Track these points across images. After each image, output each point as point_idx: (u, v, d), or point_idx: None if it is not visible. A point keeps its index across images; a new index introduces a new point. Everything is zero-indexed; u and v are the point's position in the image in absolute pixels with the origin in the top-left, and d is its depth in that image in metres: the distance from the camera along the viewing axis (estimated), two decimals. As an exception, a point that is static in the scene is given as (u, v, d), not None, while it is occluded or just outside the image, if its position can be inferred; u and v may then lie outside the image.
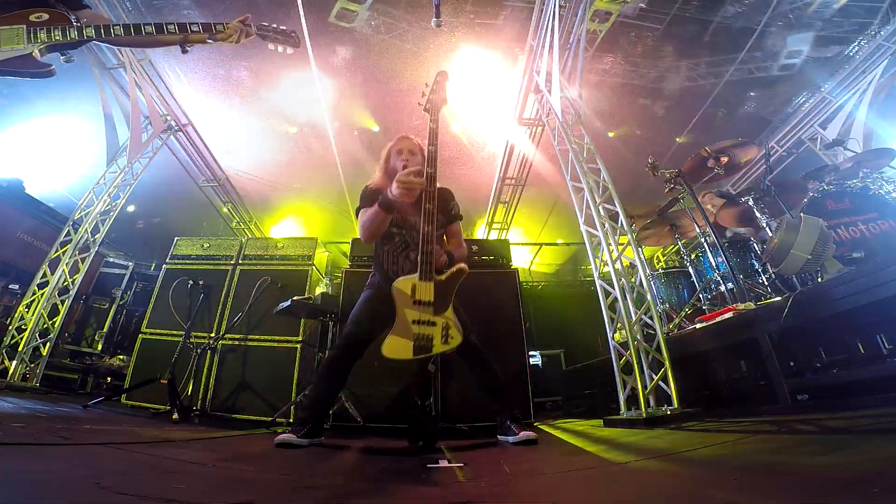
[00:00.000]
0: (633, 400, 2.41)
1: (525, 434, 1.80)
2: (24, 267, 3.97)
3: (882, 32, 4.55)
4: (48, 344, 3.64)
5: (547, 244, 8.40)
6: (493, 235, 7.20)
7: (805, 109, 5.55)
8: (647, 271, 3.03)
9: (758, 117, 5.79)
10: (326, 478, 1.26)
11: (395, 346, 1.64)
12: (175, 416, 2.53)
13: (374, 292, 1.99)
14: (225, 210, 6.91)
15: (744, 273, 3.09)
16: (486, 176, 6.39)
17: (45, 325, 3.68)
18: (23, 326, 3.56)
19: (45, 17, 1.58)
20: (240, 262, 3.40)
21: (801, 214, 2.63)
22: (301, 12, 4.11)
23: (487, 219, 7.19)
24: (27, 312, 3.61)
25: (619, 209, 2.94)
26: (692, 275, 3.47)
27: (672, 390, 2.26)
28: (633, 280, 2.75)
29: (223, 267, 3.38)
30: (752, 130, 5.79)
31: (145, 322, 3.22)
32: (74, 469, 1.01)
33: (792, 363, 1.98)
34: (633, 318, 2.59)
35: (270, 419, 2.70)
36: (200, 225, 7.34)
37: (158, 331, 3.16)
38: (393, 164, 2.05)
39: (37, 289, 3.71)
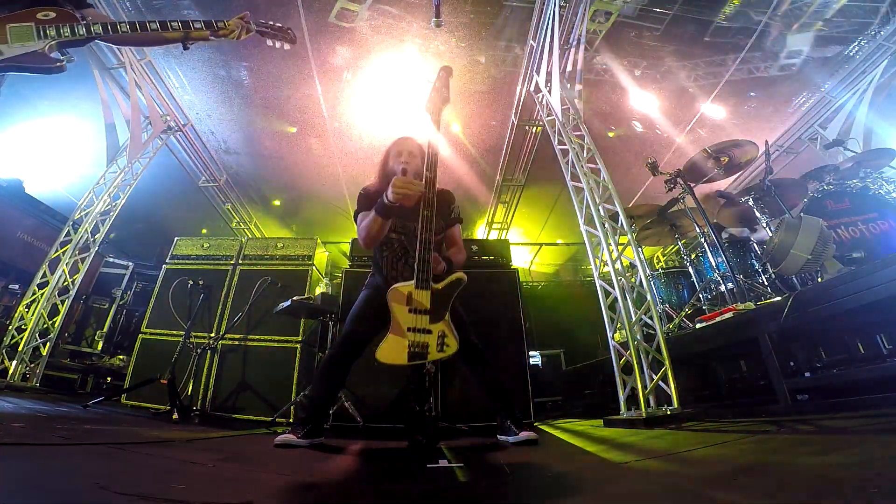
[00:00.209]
0: (633, 400, 2.41)
1: (525, 434, 1.79)
2: (24, 267, 3.97)
3: (882, 32, 4.54)
4: (48, 344, 3.64)
5: (547, 244, 8.39)
6: (493, 235, 7.20)
7: (805, 109, 5.55)
8: (647, 271, 3.03)
9: (758, 117, 5.78)
10: (326, 478, 1.26)
11: (390, 352, 1.63)
12: (175, 416, 2.53)
13: (372, 292, 1.97)
14: (225, 210, 6.92)
15: (744, 273, 3.09)
16: (486, 176, 6.39)
17: (45, 325, 3.68)
18: (23, 326, 3.56)
19: (52, 15, 1.60)
20: (240, 262, 3.40)
21: (801, 214, 2.64)
22: (301, 12, 4.11)
23: (487, 219, 7.20)
24: (27, 312, 3.61)
25: (619, 209, 2.94)
26: (692, 275, 3.47)
27: (672, 390, 2.26)
28: (633, 280, 2.75)
29: (223, 267, 3.38)
30: (752, 130, 5.78)
31: (145, 322, 3.22)
32: (74, 469, 1.01)
33: (792, 363, 1.98)
34: (633, 318, 2.59)
35: (270, 419, 2.70)
36: (200, 225, 7.35)
37: (158, 331, 3.17)
38: (392, 166, 1.98)
39: (37, 289, 3.71)
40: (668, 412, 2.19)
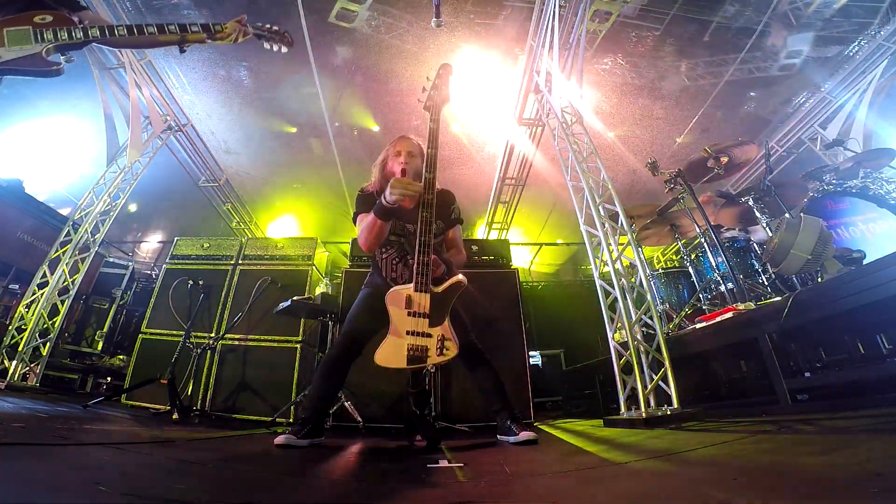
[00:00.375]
0: (633, 400, 2.41)
1: (525, 434, 1.79)
2: (24, 267, 3.96)
3: (882, 32, 4.55)
4: (48, 344, 3.64)
5: (547, 244, 8.40)
6: (493, 235, 7.20)
7: (805, 109, 5.55)
8: (647, 271, 3.03)
9: (758, 117, 5.79)
10: (326, 478, 1.26)
11: (389, 356, 1.62)
12: (175, 416, 2.53)
13: (371, 291, 1.96)
14: (225, 210, 6.92)
15: (744, 273, 3.09)
16: (486, 176, 6.39)
17: (45, 325, 3.68)
18: (23, 326, 3.56)
19: (49, 18, 1.60)
20: (240, 262, 3.40)
21: (801, 214, 2.63)
22: (301, 12, 4.11)
23: (487, 219, 7.20)
24: (27, 312, 3.61)
25: (619, 209, 2.94)
26: (692, 275, 3.47)
27: (672, 390, 2.26)
28: (633, 280, 2.75)
29: (223, 267, 3.38)
30: (752, 130, 5.79)
31: (145, 322, 3.23)
32: (74, 469, 1.01)
33: (792, 363, 1.98)
34: (633, 318, 2.59)
35: (270, 419, 2.70)
36: (200, 225, 7.35)
37: (158, 331, 3.17)
38: (391, 166, 1.96)
39: (37, 289, 3.71)
40: (668, 412, 2.19)
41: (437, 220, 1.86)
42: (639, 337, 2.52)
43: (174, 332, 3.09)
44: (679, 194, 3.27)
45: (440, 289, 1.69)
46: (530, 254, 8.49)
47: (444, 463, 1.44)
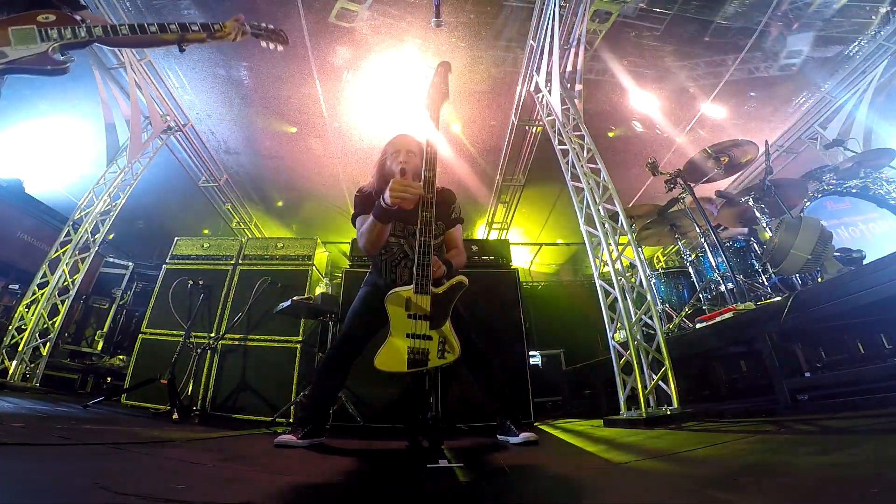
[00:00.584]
0: (633, 400, 2.41)
1: (525, 435, 1.79)
2: (24, 267, 3.96)
3: (882, 32, 4.54)
4: (48, 344, 3.63)
5: (547, 244, 8.40)
6: (493, 235, 7.20)
7: (805, 109, 5.55)
8: (647, 271, 3.03)
9: (758, 117, 5.78)
10: (326, 478, 1.26)
11: (389, 359, 1.60)
12: (175, 416, 2.53)
13: (370, 290, 1.96)
14: (225, 210, 6.92)
15: (744, 273, 3.09)
16: (486, 176, 6.39)
17: (45, 325, 3.68)
18: (23, 326, 3.56)
19: (52, 18, 1.61)
20: (240, 262, 3.40)
21: (801, 214, 2.64)
22: (301, 12, 4.11)
23: (487, 219, 7.20)
24: (27, 312, 3.61)
25: (619, 209, 2.94)
26: (692, 275, 3.47)
27: (672, 390, 2.26)
28: (633, 280, 2.75)
29: (223, 267, 3.38)
30: (752, 130, 5.78)
31: (145, 322, 3.22)
32: (74, 469, 1.01)
33: (792, 363, 1.98)
34: (633, 318, 2.59)
35: (270, 419, 2.70)
36: (200, 225, 7.35)
37: (158, 331, 3.17)
38: (390, 165, 1.90)
39: (37, 289, 3.71)
40: (669, 412, 2.19)
41: (438, 221, 1.85)
42: (639, 337, 2.52)
43: (174, 332, 3.09)
44: (679, 194, 3.27)
45: (441, 290, 1.67)
46: (530, 254, 8.49)
47: (444, 463, 1.44)
